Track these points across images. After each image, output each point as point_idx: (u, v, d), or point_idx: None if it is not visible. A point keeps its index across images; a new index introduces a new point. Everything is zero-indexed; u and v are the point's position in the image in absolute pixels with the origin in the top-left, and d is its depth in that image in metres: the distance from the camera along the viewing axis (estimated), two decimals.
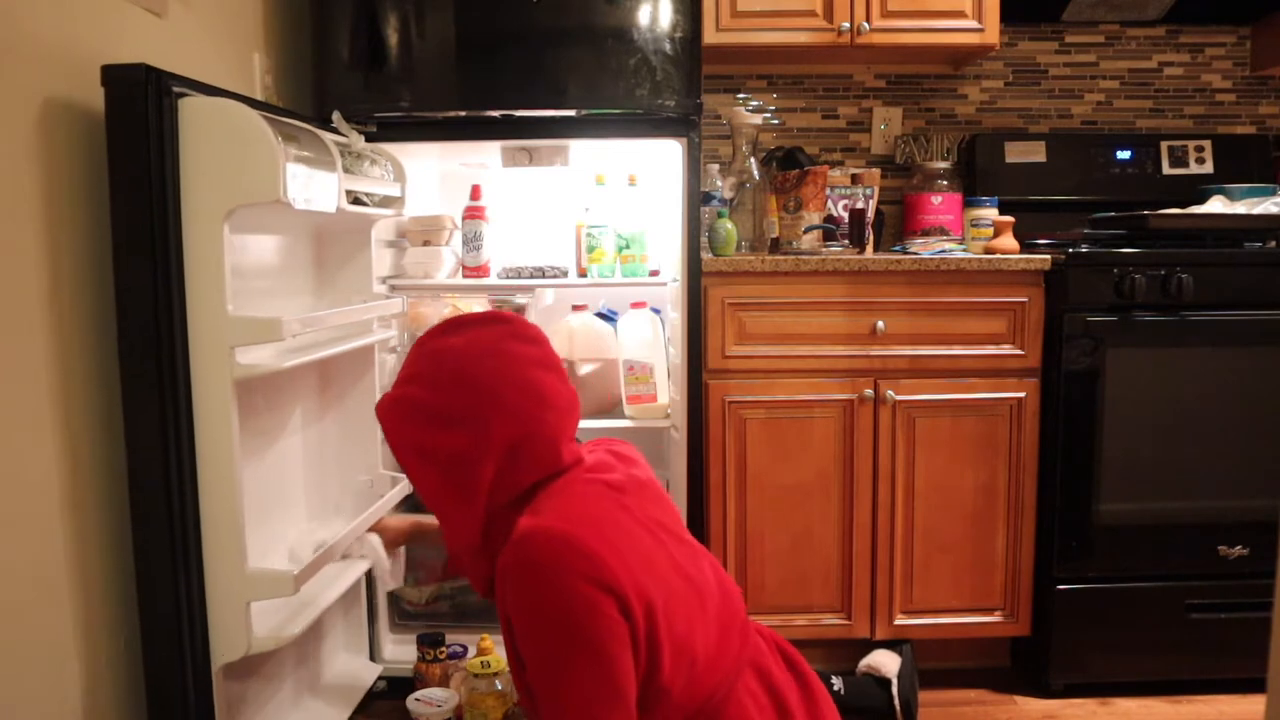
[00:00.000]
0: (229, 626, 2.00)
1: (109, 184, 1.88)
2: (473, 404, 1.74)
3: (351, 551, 2.44)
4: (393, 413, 1.79)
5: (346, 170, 2.35)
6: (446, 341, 1.81)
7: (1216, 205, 3.21)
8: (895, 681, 2.82)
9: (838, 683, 2.85)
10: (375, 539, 2.46)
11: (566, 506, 1.74)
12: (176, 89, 1.88)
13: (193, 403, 1.93)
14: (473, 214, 3.15)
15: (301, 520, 2.62)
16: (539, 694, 1.68)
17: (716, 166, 3.55)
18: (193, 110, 1.89)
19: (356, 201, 2.45)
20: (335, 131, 2.57)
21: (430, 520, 2.45)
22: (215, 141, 1.89)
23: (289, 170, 1.92)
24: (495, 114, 2.81)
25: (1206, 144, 3.78)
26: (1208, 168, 3.75)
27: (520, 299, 3.11)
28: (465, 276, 3.17)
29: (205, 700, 2.00)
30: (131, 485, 1.95)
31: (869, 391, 3.04)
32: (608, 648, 1.62)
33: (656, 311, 3.23)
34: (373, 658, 2.99)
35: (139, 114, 1.83)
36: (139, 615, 1.99)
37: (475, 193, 3.19)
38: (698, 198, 2.88)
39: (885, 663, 2.89)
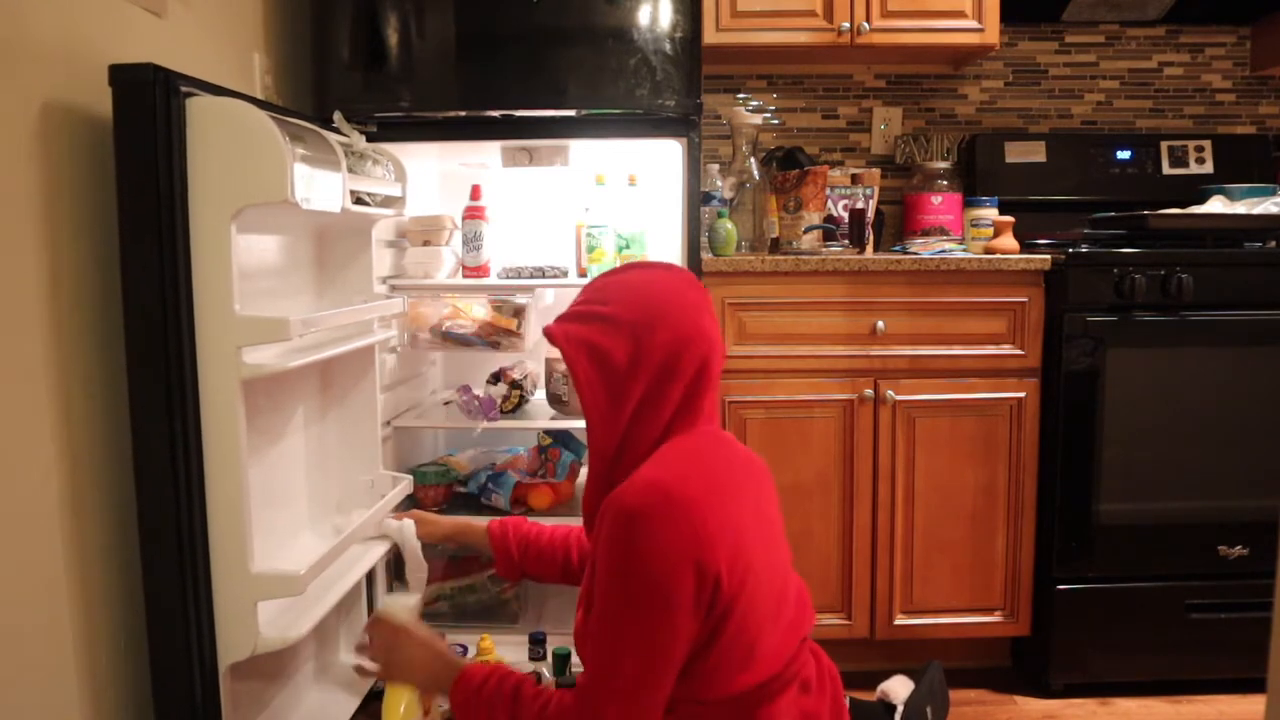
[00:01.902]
0: (236, 626, 2.01)
1: (116, 184, 1.88)
2: (643, 319, 1.81)
3: (386, 529, 2.47)
4: (566, 319, 1.88)
5: (350, 170, 2.36)
6: (619, 274, 1.92)
7: (1216, 205, 3.23)
8: (900, 709, 2.74)
9: None
10: (410, 525, 2.47)
11: (686, 464, 1.79)
12: (184, 89, 1.89)
13: (200, 403, 1.94)
14: (473, 214, 3.16)
15: (303, 520, 2.63)
16: (597, 631, 1.74)
17: (716, 166, 3.57)
18: (200, 110, 1.90)
19: (359, 201, 2.46)
20: (336, 131, 2.58)
21: (478, 522, 2.46)
22: (223, 142, 1.89)
23: (296, 170, 1.93)
24: (495, 114, 2.83)
25: (1206, 144, 3.80)
26: (1208, 168, 3.78)
27: (520, 299, 3.11)
28: (465, 276, 3.18)
29: (213, 699, 2.01)
30: (138, 485, 1.95)
31: (869, 391, 3.06)
32: (675, 616, 1.68)
33: None
34: None
35: (147, 114, 1.83)
36: (145, 615, 1.99)
37: (475, 193, 3.21)
38: (698, 198, 2.89)
39: (896, 690, 2.81)
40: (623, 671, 1.70)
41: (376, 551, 2.60)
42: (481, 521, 2.45)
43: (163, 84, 1.85)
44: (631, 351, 1.79)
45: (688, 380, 1.83)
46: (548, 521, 2.88)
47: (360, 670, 2.19)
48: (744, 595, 1.75)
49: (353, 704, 2.71)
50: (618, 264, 3.00)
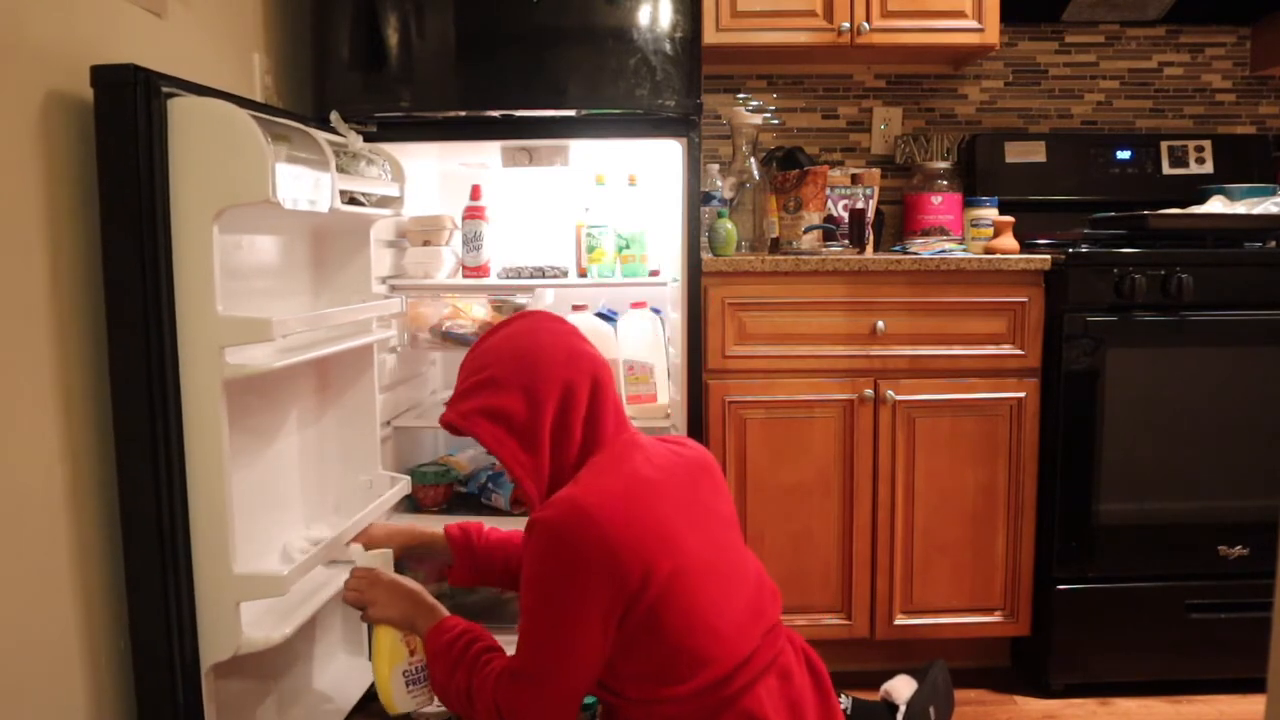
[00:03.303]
0: (218, 627, 1.99)
1: (98, 184, 1.86)
2: (521, 368, 1.92)
3: (353, 555, 2.36)
4: (454, 402, 1.97)
5: (341, 170, 2.32)
6: (483, 344, 2.01)
7: (1216, 205, 3.20)
8: (902, 709, 2.70)
9: (845, 701, 2.77)
10: (357, 550, 2.32)
11: (602, 479, 1.87)
12: (166, 89, 1.86)
13: (182, 402, 1.92)
14: (473, 214, 3.13)
15: (299, 520, 2.60)
16: (520, 633, 1.84)
17: (716, 166, 3.54)
18: (182, 110, 1.86)
19: (353, 201, 2.43)
20: (334, 132, 2.55)
21: (431, 529, 2.42)
22: (204, 142, 1.86)
23: (279, 170, 1.90)
24: (495, 114, 2.79)
25: (1206, 144, 3.77)
26: (1208, 168, 3.74)
27: (520, 299, 3.08)
28: (465, 276, 3.15)
29: (195, 700, 1.99)
30: (120, 484, 1.93)
31: (869, 391, 3.03)
32: (585, 618, 1.78)
33: (656, 311, 3.21)
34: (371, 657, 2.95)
35: (128, 114, 1.80)
36: (128, 615, 1.98)
37: (475, 193, 3.18)
38: (698, 198, 2.86)
39: (899, 689, 2.78)
40: (538, 666, 1.81)
41: (372, 555, 2.55)
42: (434, 528, 2.41)
43: (143, 84, 1.82)
44: (527, 400, 1.89)
45: (586, 403, 1.93)
46: None
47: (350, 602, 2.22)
48: (675, 590, 1.81)
49: (348, 705, 2.69)
50: (616, 265, 3.04)
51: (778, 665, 1.93)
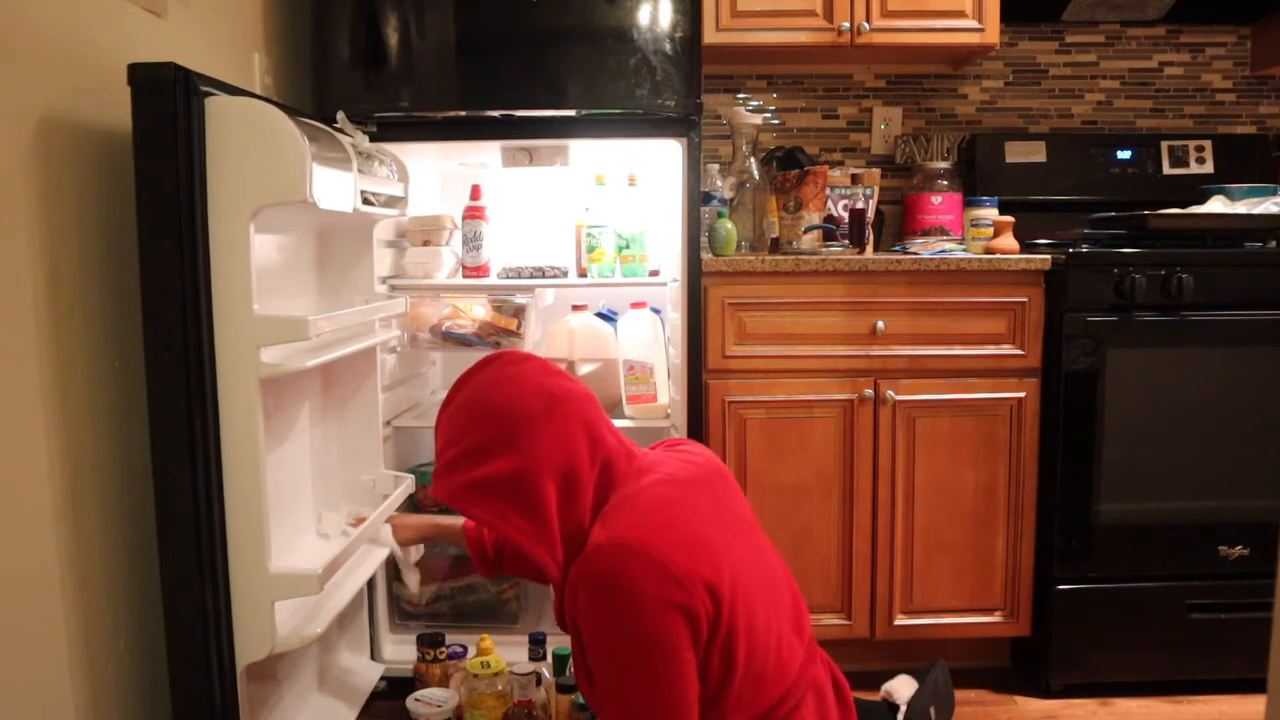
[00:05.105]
0: (254, 626, 2.05)
1: (135, 184, 1.91)
2: (502, 428, 1.86)
3: (380, 538, 2.54)
4: (440, 476, 1.91)
5: (358, 170, 2.40)
6: (454, 402, 1.96)
7: (1216, 205, 3.27)
8: (903, 709, 2.72)
9: None
10: (387, 531, 2.54)
11: (635, 513, 1.83)
12: (203, 88, 1.93)
13: (219, 402, 1.98)
14: (473, 214, 3.21)
15: (308, 520, 2.68)
16: (607, 702, 1.80)
17: (716, 166, 3.62)
18: (218, 110, 1.94)
19: (365, 201, 2.50)
20: (340, 131, 2.61)
21: (451, 520, 2.53)
22: (242, 141, 1.93)
23: (314, 170, 1.98)
24: (495, 114, 2.88)
25: (1206, 144, 3.86)
26: (1208, 168, 3.83)
27: (520, 299, 3.17)
28: (465, 276, 3.23)
29: (231, 700, 2.05)
30: (157, 485, 1.99)
31: (869, 391, 3.12)
32: (676, 661, 1.73)
33: (656, 311, 3.29)
34: (373, 658, 3.05)
35: (168, 114, 1.87)
36: (164, 615, 2.02)
37: (475, 193, 3.26)
38: (698, 198, 2.94)
39: (900, 689, 2.77)
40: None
41: (378, 555, 2.67)
42: (456, 520, 2.51)
43: (183, 83, 1.88)
44: (514, 458, 1.83)
45: (587, 450, 1.89)
46: None
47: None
48: (739, 604, 1.80)
49: (355, 707, 2.77)
50: (616, 265, 3.11)
51: (815, 684, 1.97)
